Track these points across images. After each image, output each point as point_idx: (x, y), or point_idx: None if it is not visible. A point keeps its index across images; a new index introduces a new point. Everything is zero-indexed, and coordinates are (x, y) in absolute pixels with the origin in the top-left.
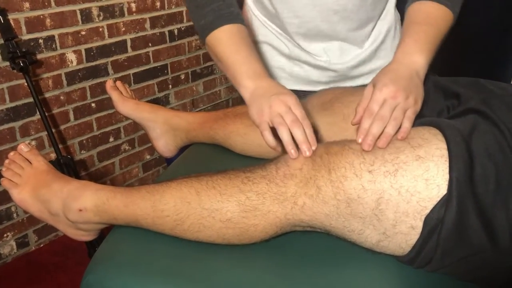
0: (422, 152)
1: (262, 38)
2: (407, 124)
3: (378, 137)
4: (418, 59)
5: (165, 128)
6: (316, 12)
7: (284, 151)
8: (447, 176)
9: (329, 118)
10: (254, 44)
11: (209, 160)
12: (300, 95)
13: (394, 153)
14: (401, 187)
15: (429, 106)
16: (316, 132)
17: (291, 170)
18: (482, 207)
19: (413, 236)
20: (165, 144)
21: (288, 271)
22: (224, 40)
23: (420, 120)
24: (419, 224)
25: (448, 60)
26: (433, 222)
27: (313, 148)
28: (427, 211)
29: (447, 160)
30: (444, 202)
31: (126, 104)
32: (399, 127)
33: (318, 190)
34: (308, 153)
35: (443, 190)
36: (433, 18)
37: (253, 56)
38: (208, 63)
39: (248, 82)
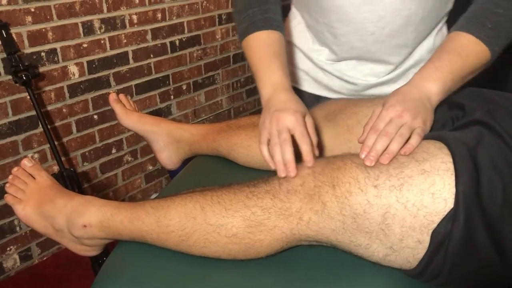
0: (427, 166)
1: (293, 40)
2: (413, 141)
3: (382, 154)
4: (432, 86)
5: (168, 140)
6: (350, 29)
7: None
8: (453, 190)
9: (333, 129)
10: (287, 44)
11: (213, 172)
12: (321, 100)
13: (399, 167)
14: (407, 202)
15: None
16: (320, 146)
17: (293, 186)
18: (489, 221)
19: (420, 250)
20: (168, 156)
21: (295, 286)
22: (252, 47)
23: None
24: (426, 239)
25: None
26: (441, 236)
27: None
28: (434, 225)
29: (453, 173)
30: (451, 216)
31: (129, 117)
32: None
33: (323, 206)
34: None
35: (450, 204)
36: (465, 51)
37: (275, 65)
38: (209, 73)
39: (264, 92)
